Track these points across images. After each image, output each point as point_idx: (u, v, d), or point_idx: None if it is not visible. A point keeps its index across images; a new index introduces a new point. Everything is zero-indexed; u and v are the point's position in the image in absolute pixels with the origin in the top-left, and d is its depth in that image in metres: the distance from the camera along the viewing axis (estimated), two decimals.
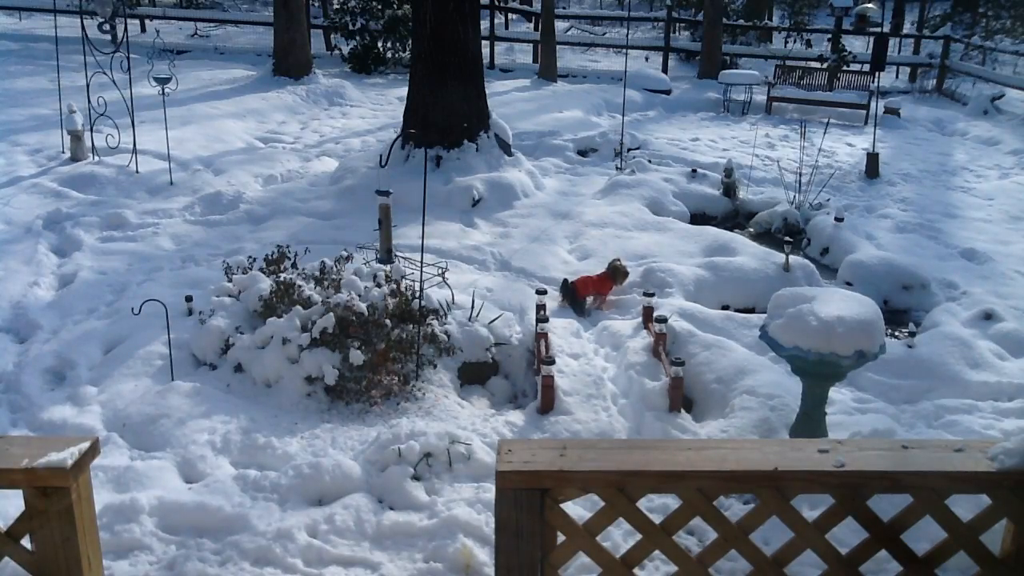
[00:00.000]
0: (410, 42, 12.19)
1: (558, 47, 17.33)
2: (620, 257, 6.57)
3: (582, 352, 5.36)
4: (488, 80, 10.68)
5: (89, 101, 8.89)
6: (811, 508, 3.31)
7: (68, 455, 2.28)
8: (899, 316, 6.47)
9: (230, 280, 5.54)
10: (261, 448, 4.25)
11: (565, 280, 6.32)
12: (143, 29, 19.53)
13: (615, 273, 6.31)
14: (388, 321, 5.00)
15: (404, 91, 9.76)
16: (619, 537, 3.44)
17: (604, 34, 24.51)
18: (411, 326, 5.06)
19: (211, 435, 4.34)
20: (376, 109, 13.83)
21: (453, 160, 8.88)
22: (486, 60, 16.39)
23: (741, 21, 20.67)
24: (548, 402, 4.60)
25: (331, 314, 4.83)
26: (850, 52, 17.08)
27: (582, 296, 6.20)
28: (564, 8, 28.54)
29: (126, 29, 8.93)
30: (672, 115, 14.42)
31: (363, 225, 6.95)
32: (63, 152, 9.20)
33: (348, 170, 9.03)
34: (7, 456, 2.29)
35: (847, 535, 2.88)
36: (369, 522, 3.65)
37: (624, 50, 16.50)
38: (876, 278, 6.83)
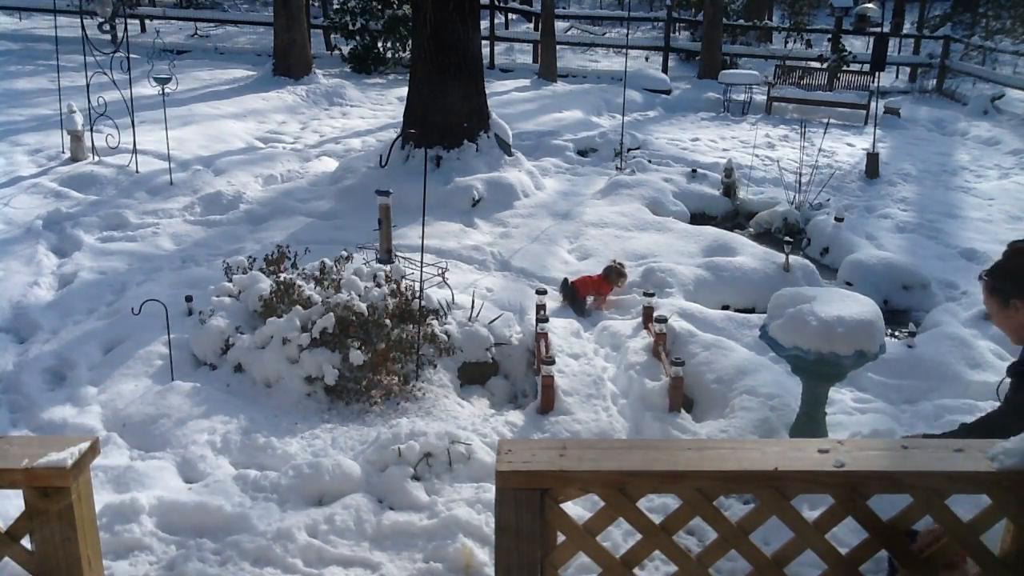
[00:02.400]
0: (410, 42, 12.19)
1: (558, 47, 17.33)
2: (619, 258, 6.57)
3: (582, 352, 5.36)
4: (488, 80, 10.68)
5: (89, 101, 8.89)
6: (811, 508, 3.32)
7: (68, 455, 2.27)
8: (899, 316, 6.47)
9: (230, 280, 5.54)
10: (261, 448, 4.25)
11: (565, 279, 6.32)
12: (143, 29, 19.55)
13: (610, 274, 6.30)
14: (388, 321, 5.00)
15: (404, 91, 9.76)
16: (619, 537, 3.44)
17: (604, 34, 24.50)
18: (411, 326, 5.06)
19: (211, 435, 4.34)
20: (376, 109, 13.83)
21: (453, 160, 8.88)
22: (486, 60, 16.39)
23: (741, 21, 20.68)
24: (548, 402, 4.60)
25: (331, 314, 4.83)
26: (850, 52, 17.08)
27: (582, 296, 6.20)
28: (564, 8, 28.57)
29: (126, 29, 8.94)
30: (672, 115, 14.42)
31: (363, 225, 6.95)
32: (63, 152, 9.20)
33: (348, 170, 9.03)
34: (7, 456, 2.29)
35: (847, 535, 2.89)
36: (369, 522, 3.65)
37: (624, 50, 16.51)
38: (876, 278, 6.83)
